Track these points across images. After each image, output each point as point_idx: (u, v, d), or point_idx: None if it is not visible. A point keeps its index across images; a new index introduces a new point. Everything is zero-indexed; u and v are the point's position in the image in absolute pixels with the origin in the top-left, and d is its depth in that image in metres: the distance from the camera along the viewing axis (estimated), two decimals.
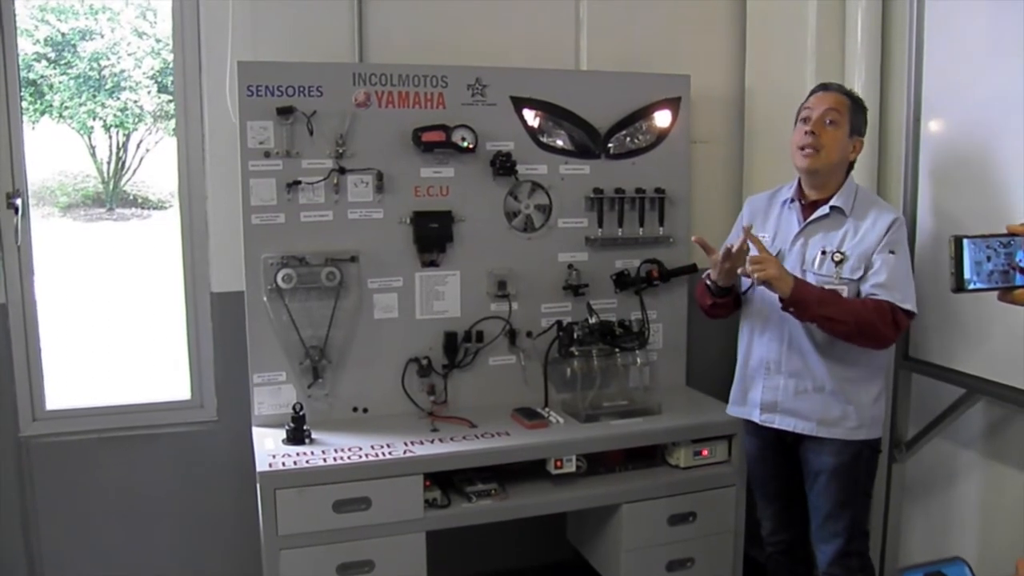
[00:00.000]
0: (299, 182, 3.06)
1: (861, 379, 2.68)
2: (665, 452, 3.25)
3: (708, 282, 2.84)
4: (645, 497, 3.13)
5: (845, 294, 2.60)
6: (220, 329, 3.33)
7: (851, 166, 2.74)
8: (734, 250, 2.63)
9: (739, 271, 2.64)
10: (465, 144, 3.18)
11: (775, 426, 2.79)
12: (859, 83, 3.20)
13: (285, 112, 3.01)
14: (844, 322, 2.55)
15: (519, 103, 3.29)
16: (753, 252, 2.62)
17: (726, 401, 3.03)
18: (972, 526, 2.98)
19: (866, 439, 2.69)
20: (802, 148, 2.66)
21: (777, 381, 2.78)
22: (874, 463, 2.77)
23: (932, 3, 2.90)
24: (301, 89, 3.04)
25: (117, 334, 7.45)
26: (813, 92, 2.73)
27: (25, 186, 3.12)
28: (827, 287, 2.61)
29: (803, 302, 2.55)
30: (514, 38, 3.49)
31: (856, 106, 2.69)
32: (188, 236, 3.33)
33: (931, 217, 2.91)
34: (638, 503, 3.12)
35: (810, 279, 2.66)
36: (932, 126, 2.95)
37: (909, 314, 2.59)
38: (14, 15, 3.09)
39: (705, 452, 3.21)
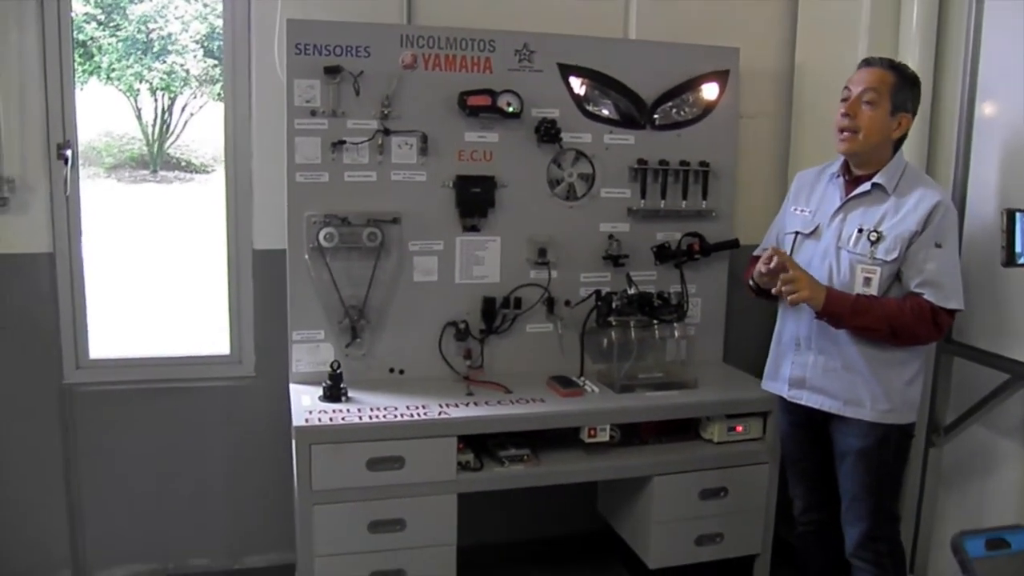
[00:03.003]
0: (344, 142, 3.07)
1: (895, 361, 2.64)
2: (699, 426, 3.24)
3: (750, 282, 2.83)
4: (677, 470, 3.13)
5: (877, 276, 2.57)
6: (261, 286, 3.36)
7: (900, 143, 2.68)
8: (764, 270, 2.63)
9: (772, 291, 2.66)
10: (511, 109, 3.17)
11: (803, 403, 2.77)
12: (912, 62, 3.12)
13: (332, 71, 3.01)
14: (878, 329, 2.56)
15: (566, 70, 3.27)
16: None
17: (762, 378, 3.02)
18: (1008, 516, 2.94)
19: (895, 423, 2.65)
20: (840, 131, 2.62)
21: (807, 357, 2.76)
22: (904, 448, 2.74)
23: None
24: (349, 49, 3.04)
25: (159, 290, 7.56)
26: (858, 67, 2.66)
27: (76, 137, 3.16)
28: (861, 268, 2.59)
29: (836, 315, 2.58)
30: (563, 5, 3.46)
31: (902, 81, 2.59)
32: (232, 193, 3.34)
33: (982, 200, 2.85)
34: (670, 476, 3.12)
35: (844, 257, 2.64)
36: (987, 108, 2.89)
37: (953, 312, 2.56)
38: None
39: (740, 428, 3.20)
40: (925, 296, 2.52)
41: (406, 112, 3.12)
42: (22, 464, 3.26)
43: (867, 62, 2.65)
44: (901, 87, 2.59)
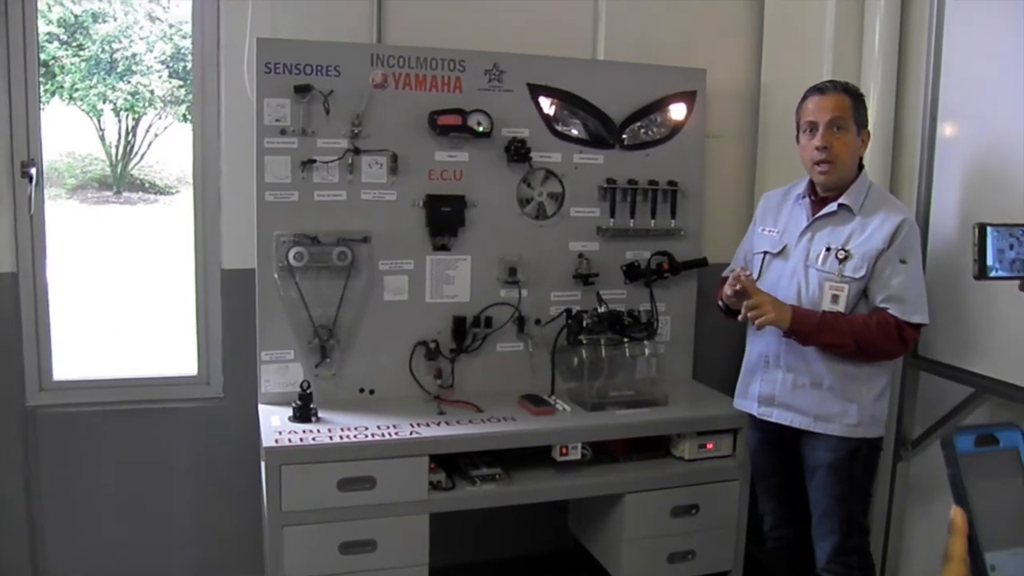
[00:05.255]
0: (314, 161, 3.06)
1: (863, 376, 2.67)
2: (670, 444, 3.25)
3: (720, 303, 2.86)
4: (649, 488, 3.13)
5: (845, 293, 2.61)
6: (229, 306, 3.33)
7: (860, 159, 2.73)
8: (730, 293, 2.67)
9: (739, 318, 2.68)
10: (481, 129, 3.18)
11: (772, 420, 2.80)
12: (875, 82, 3.20)
13: (302, 90, 3.01)
14: (845, 345, 2.59)
15: (536, 90, 3.29)
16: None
17: (732, 395, 3.04)
18: None
19: (864, 436, 2.68)
20: (816, 164, 2.65)
21: (775, 375, 2.78)
22: (873, 460, 2.76)
23: (952, 1, 2.90)
24: (319, 68, 3.04)
25: (125, 311, 7.47)
26: (809, 95, 2.69)
27: (40, 156, 3.12)
28: (829, 285, 2.63)
29: (803, 332, 2.62)
30: (532, 25, 3.49)
31: (857, 100, 2.66)
32: (201, 212, 3.32)
33: (945, 218, 2.90)
34: (641, 493, 3.12)
35: (812, 275, 2.68)
36: (948, 127, 2.94)
37: (918, 326, 2.60)
38: None
39: (710, 445, 3.21)
40: (890, 311, 2.57)
41: (376, 131, 3.12)
42: None
43: (820, 90, 2.67)
44: (858, 106, 2.66)
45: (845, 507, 2.70)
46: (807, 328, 2.60)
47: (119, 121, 11.15)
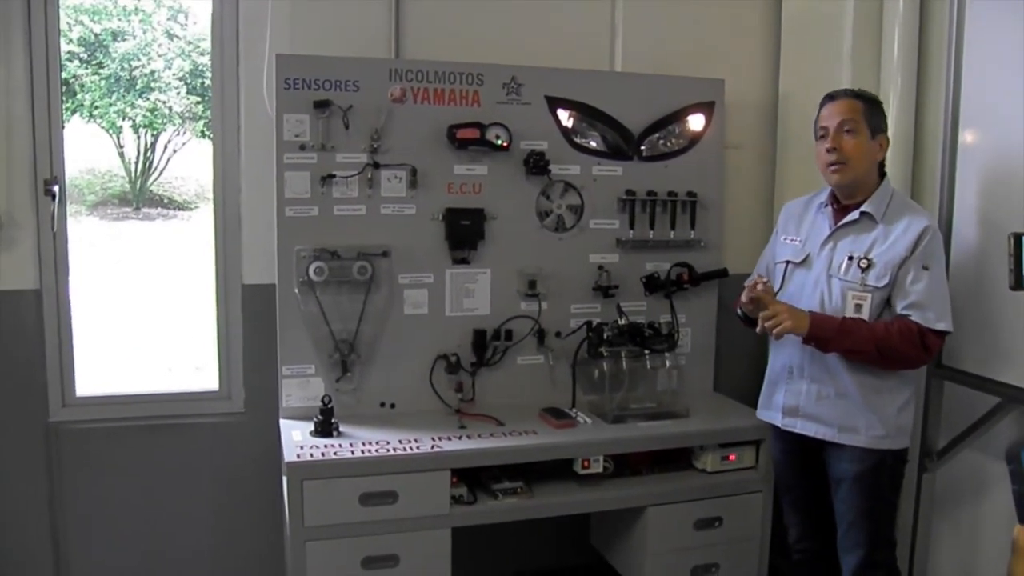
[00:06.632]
0: (333, 176, 3.07)
1: (888, 388, 2.65)
2: (692, 456, 3.22)
3: (739, 312, 2.85)
4: (671, 500, 3.11)
5: (868, 302, 2.59)
6: (250, 321, 3.34)
7: (882, 166, 2.72)
8: (745, 300, 2.69)
9: (756, 330, 2.69)
10: (499, 142, 3.18)
11: (796, 430, 2.78)
12: (895, 88, 3.20)
13: (322, 106, 3.02)
14: (865, 351, 2.57)
15: (554, 103, 3.30)
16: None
17: (753, 407, 3.03)
18: (1003, 540, 2.92)
19: (890, 448, 2.65)
20: (829, 165, 2.65)
21: (800, 386, 2.77)
22: (899, 472, 2.73)
23: (972, 8, 2.88)
24: (338, 83, 3.05)
25: (146, 327, 7.50)
26: (824, 103, 2.71)
27: (63, 174, 3.14)
28: (852, 295, 2.61)
29: (822, 338, 2.60)
30: (550, 38, 3.50)
31: (871, 105, 2.66)
32: (221, 228, 3.34)
33: (968, 226, 2.88)
34: (664, 506, 3.10)
35: (835, 284, 2.66)
36: (969, 133, 2.93)
37: (941, 333, 2.57)
38: (57, 14, 3.14)
39: (732, 457, 3.19)
40: (912, 318, 2.55)
41: (395, 145, 3.13)
42: (6, 503, 3.21)
43: (831, 96, 2.70)
44: (872, 111, 2.66)
45: (871, 520, 2.67)
46: (827, 333, 2.58)
47: (138, 138, 11.21)
